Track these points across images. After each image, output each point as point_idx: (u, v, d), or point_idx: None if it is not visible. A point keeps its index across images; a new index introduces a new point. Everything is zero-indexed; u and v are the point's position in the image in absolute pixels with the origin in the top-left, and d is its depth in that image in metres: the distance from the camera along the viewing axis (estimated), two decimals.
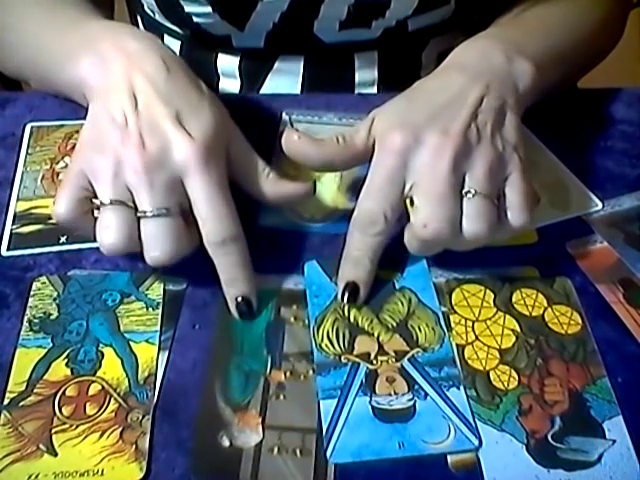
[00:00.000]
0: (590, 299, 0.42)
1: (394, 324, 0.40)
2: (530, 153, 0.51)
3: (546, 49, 0.49)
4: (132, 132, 0.39)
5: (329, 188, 0.48)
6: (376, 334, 0.40)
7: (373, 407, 0.37)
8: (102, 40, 0.44)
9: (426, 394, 0.37)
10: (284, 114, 0.54)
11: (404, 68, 0.61)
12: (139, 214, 0.39)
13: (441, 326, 0.40)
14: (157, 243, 0.39)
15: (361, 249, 0.41)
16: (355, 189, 0.48)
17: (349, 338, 0.40)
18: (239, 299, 0.40)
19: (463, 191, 0.39)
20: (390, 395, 0.37)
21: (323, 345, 0.40)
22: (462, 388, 0.37)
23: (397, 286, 0.42)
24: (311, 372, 0.38)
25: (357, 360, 0.39)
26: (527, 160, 0.42)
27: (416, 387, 0.38)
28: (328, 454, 0.35)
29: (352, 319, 0.41)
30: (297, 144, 0.42)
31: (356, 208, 0.41)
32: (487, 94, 0.42)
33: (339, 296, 0.41)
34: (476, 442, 0.35)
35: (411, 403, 0.37)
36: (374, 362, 0.39)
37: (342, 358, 0.39)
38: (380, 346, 0.39)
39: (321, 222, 0.46)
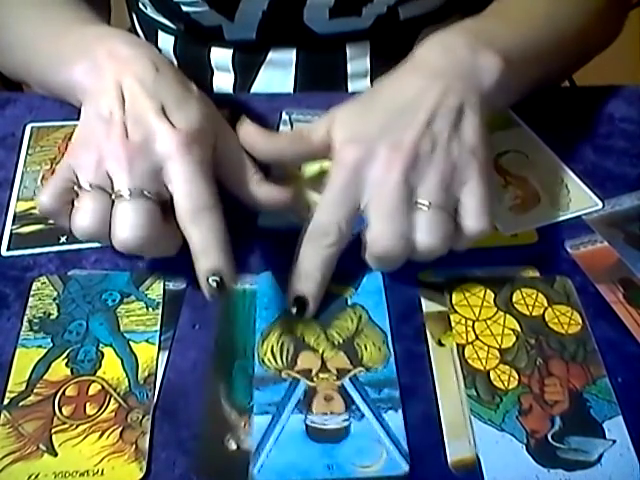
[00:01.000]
0: (590, 299, 0.42)
1: (340, 341, 0.40)
2: (530, 153, 0.51)
3: (524, 42, 0.47)
4: (116, 125, 0.40)
5: None
6: (321, 350, 0.39)
7: (307, 425, 0.36)
8: (96, 47, 0.45)
9: (362, 415, 0.37)
10: (284, 113, 0.54)
11: (396, 59, 0.61)
12: (114, 195, 0.38)
13: (388, 346, 0.40)
14: (126, 225, 0.38)
15: (312, 262, 0.40)
16: None
17: (293, 353, 0.39)
18: (210, 276, 0.37)
19: (416, 204, 0.38)
20: (326, 414, 0.37)
21: (265, 359, 0.39)
22: (400, 411, 0.37)
23: (349, 302, 0.42)
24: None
25: (297, 376, 0.38)
26: (488, 162, 0.41)
27: (353, 407, 0.37)
28: (255, 472, 0.34)
29: (299, 334, 0.40)
30: (249, 134, 0.42)
31: (310, 221, 0.40)
32: (445, 95, 0.41)
33: (289, 309, 0.41)
34: (406, 468, 0.35)
35: (346, 424, 0.36)
36: (314, 379, 0.38)
37: (282, 373, 0.38)
38: (323, 363, 0.39)
39: None
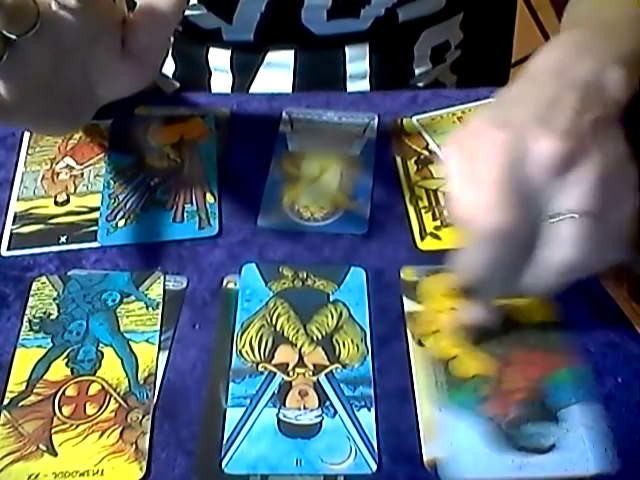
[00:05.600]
0: (591, 298, 0.42)
1: (319, 337, 0.40)
2: None
3: (632, 47, 0.41)
4: None
5: (329, 188, 0.48)
6: (299, 345, 0.39)
7: (279, 420, 0.36)
8: None
9: (335, 412, 0.37)
10: (284, 113, 0.54)
11: (396, 61, 0.61)
12: None
13: (366, 344, 0.39)
14: None
15: None
16: (355, 189, 0.48)
17: (271, 347, 0.39)
18: None
19: None
20: (299, 409, 0.37)
21: (244, 351, 0.39)
22: (373, 410, 0.37)
23: (331, 298, 0.42)
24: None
25: (274, 370, 0.38)
26: None
27: (327, 404, 0.37)
28: (224, 464, 0.35)
29: (278, 327, 0.40)
30: None
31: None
32: (584, 100, 0.36)
33: None
34: (374, 467, 0.35)
35: (318, 420, 0.36)
36: (291, 373, 0.38)
37: (259, 367, 0.38)
38: (300, 358, 0.39)
39: (321, 222, 0.46)
